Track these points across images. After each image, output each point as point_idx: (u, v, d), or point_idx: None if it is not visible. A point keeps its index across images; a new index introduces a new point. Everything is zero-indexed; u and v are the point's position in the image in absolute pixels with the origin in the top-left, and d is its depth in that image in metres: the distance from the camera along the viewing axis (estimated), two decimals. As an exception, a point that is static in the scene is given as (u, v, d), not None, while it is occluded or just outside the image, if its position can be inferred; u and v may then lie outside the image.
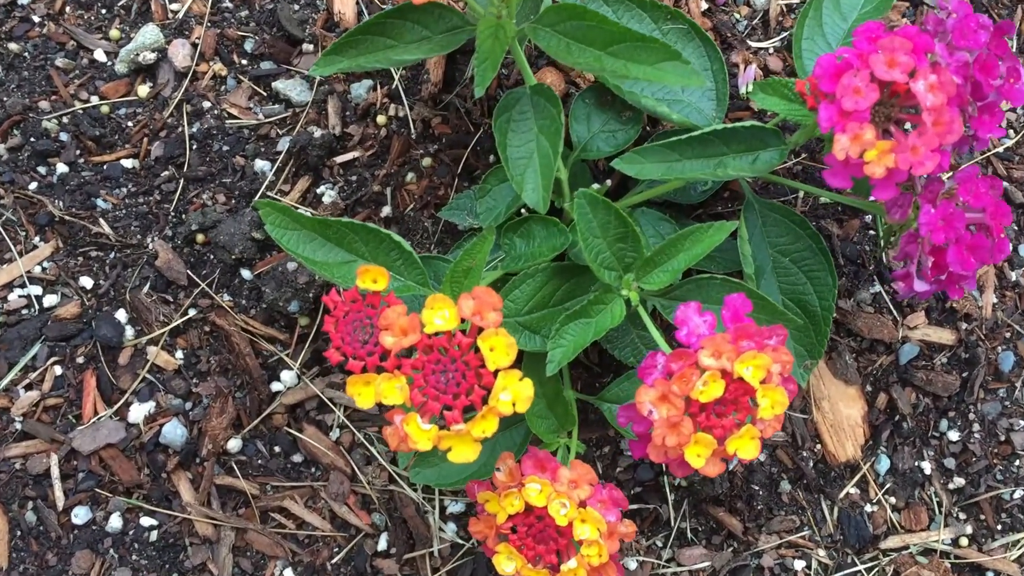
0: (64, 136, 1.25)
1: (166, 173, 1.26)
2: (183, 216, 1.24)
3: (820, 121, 0.84)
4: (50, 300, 1.22)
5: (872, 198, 0.89)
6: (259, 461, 1.19)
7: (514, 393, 0.76)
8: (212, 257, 1.23)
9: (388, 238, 0.97)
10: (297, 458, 1.20)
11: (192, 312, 1.22)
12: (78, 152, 1.25)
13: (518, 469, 0.91)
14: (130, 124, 1.25)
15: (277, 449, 1.20)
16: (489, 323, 0.77)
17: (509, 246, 1.04)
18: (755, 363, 0.82)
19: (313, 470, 1.19)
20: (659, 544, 1.17)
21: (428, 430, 0.77)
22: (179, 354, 1.22)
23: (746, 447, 0.83)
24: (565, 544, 0.89)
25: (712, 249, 0.96)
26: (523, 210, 1.08)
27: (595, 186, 1.11)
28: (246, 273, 1.24)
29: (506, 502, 0.89)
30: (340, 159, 1.25)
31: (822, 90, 0.84)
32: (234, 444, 1.19)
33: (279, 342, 1.21)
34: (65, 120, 1.25)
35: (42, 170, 1.24)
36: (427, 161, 1.25)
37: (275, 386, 1.21)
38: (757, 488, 1.20)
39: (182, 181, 1.25)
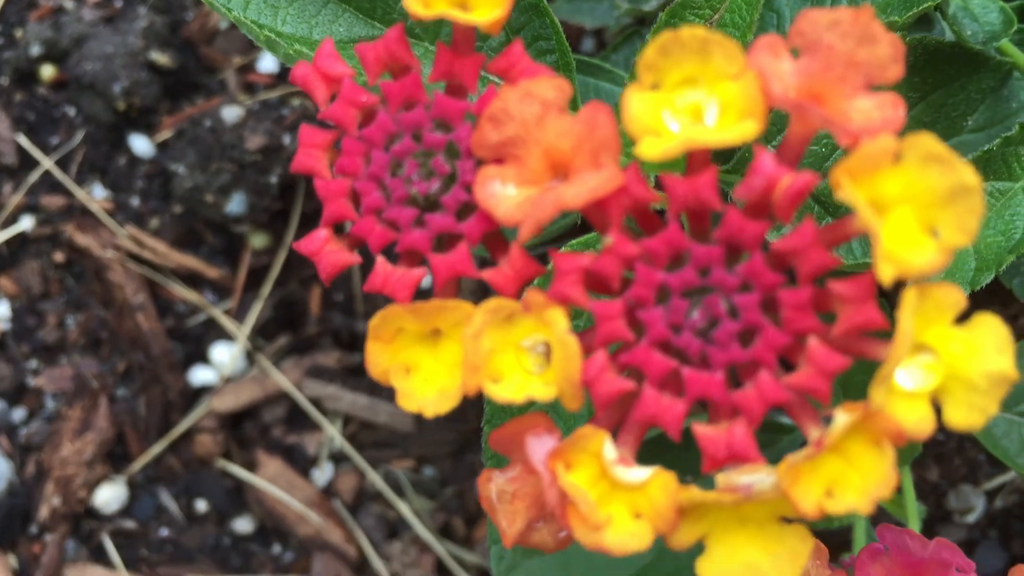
0: None
1: (-18, -52, 1.05)
2: (15, 31, 1.06)
3: None
4: None
5: None
6: (163, 532, 0.97)
7: (960, 355, 0.37)
8: (71, 110, 1.04)
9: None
10: (243, 525, 0.97)
11: (27, 222, 1.03)
12: None
13: None
14: None
15: (202, 506, 0.98)
16: (870, 123, 0.38)
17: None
18: None
19: (278, 549, 0.95)
20: None
21: (641, 481, 0.38)
22: (1, 308, 1.02)
23: None
24: None
25: None
26: None
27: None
28: (140, 142, 1.02)
29: None
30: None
31: None
32: (110, 495, 0.98)
33: (207, 284, 1.01)
34: None
35: None
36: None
37: (199, 375, 1.00)
38: None
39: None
